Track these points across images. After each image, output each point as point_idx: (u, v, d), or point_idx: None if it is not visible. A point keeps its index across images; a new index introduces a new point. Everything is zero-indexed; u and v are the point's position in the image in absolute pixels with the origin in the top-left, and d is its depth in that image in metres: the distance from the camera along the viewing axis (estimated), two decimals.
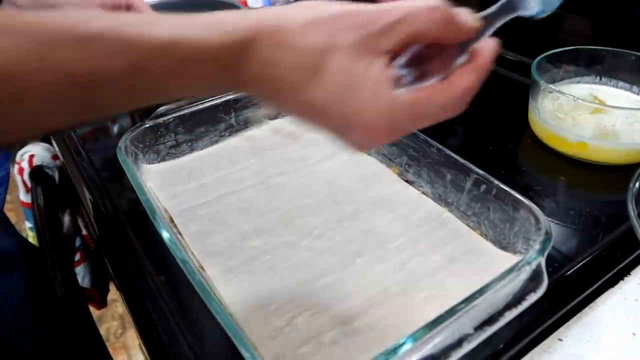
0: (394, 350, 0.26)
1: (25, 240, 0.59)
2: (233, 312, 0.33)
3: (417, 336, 0.27)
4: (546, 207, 0.44)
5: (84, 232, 0.71)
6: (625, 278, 0.38)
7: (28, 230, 0.73)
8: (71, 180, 0.60)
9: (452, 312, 0.28)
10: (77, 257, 0.70)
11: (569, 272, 0.37)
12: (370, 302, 0.33)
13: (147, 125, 0.47)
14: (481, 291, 0.29)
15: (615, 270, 0.38)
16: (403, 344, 0.26)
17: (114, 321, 1.33)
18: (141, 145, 0.47)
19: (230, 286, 0.35)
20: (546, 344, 0.34)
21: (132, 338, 1.29)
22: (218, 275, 0.36)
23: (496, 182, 0.38)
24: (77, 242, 0.70)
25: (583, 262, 0.38)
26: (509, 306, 0.29)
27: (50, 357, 0.54)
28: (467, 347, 0.27)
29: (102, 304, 0.75)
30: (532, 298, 0.29)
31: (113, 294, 1.41)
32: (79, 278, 0.70)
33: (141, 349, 1.23)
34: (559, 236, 0.41)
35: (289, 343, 0.31)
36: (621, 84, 0.54)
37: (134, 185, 0.39)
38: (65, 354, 0.59)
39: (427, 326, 0.27)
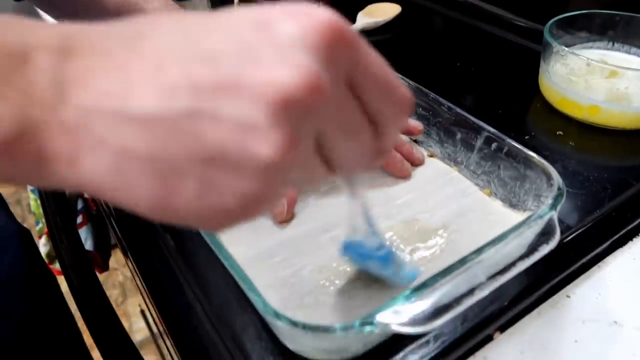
0: (403, 297, 0.26)
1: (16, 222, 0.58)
2: (240, 264, 0.33)
3: (428, 283, 0.26)
4: (559, 175, 0.43)
5: (86, 194, 0.70)
6: (635, 239, 0.38)
7: (29, 193, 0.73)
8: None
9: (463, 262, 0.28)
10: (79, 219, 0.70)
11: (578, 232, 0.37)
12: None
13: None
14: (493, 242, 0.29)
15: (624, 231, 0.38)
16: (409, 295, 0.26)
17: (115, 289, 1.34)
18: None
19: (236, 240, 0.35)
20: (554, 299, 0.34)
21: (133, 305, 1.30)
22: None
23: (508, 139, 0.37)
24: (79, 205, 0.70)
25: (592, 222, 0.38)
26: (521, 257, 0.29)
27: (39, 331, 0.54)
28: (479, 295, 0.26)
29: (104, 267, 0.75)
30: (545, 249, 0.29)
31: (114, 262, 1.42)
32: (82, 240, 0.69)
33: (143, 315, 1.23)
34: (568, 200, 0.40)
35: (294, 292, 0.31)
36: (634, 49, 0.53)
37: None
38: (58, 325, 0.59)
39: (437, 275, 0.27)
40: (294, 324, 0.25)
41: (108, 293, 0.46)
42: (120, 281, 1.37)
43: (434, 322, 0.25)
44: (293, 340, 0.28)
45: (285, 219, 0.36)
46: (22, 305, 0.49)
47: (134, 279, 0.48)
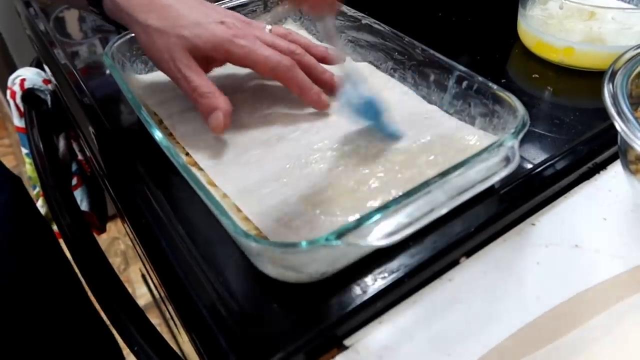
0: (367, 217, 0.27)
1: (7, 169, 0.60)
2: (228, 195, 0.34)
3: (391, 204, 0.28)
4: (532, 115, 0.44)
5: (80, 156, 0.72)
6: (601, 172, 0.39)
7: (24, 157, 0.74)
8: (65, 104, 0.60)
9: (426, 184, 0.29)
10: (74, 181, 0.71)
11: (546, 164, 0.38)
12: (354, 185, 0.35)
13: (133, 35, 0.46)
14: (455, 167, 0.30)
15: (591, 164, 0.39)
16: (374, 212, 0.27)
17: (117, 257, 1.38)
18: (128, 54, 0.47)
19: (222, 175, 0.36)
20: (520, 227, 0.35)
21: (135, 273, 1.33)
22: (210, 167, 0.37)
23: (477, 77, 0.38)
24: (73, 167, 0.71)
25: (560, 156, 0.39)
26: (480, 181, 0.30)
27: (38, 278, 0.55)
28: (438, 212, 0.28)
29: (101, 228, 0.77)
30: (503, 172, 0.30)
31: (115, 231, 1.44)
32: (77, 202, 0.71)
33: (144, 280, 1.26)
34: (540, 140, 0.41)
35: (279, 218, 0.32)
36: None
37: (120, 85, 0.40)
38: (57, 274, 0.60)
39: (400, 197, 0.28)
40: (261, 242, 0.26)
41: (111, 261, 0.47)
42: (122, 250, 1.40)
43: (394, 237, 0.26)
44: (263, 263, 0.29)
45: (222, 130, 0.38)
46: (21, 248, 0.51)
47: (130, 238, 0.49)
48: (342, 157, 0.37)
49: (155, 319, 1.14)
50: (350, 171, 0.36)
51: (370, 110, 0.38)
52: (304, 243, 0.26)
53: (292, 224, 0.32)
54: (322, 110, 0.42)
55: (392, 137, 0.38)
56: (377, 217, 0.27)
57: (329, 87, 0.42)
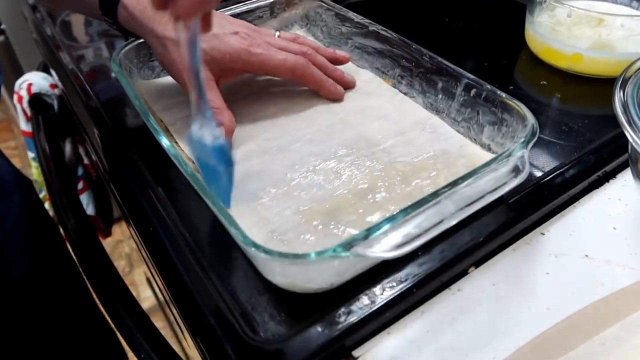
0: (376, 228, 0.27)
1: (18, 170, 0.60)
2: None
3: (400, 215, 0.28)
4: (540, 123, 0.44)
5: (86, 160, 0.72)
6: (611, 180, 0.39)
7: (31, 161, 0.75)
8: (72, 108, 0.60)
9: (435, 195, 0.29)
10: (80, 185, 0.71)
11: (555, 173, 0.38)
12: (357, 196, 0.34)
13: (141, 41, 0.46)
14: (464, 177, 0.30)
15: (600, 173, 0.39)
16: (382, 223, 0.27)
17: (121, 260, 1.38)
18: (135, 61, 0.47)
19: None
20: (529, 237, 0.35)
21: (140, 275, 1.33)
22: None
23: (486, 85, 0.38)
24: (79, 171, 0.72)
25: (569, 164, 0.38)
26: (490, 192, 0.30)
27: (47, 278, 0.56)
28: (447, 224, 0.28)
29: (107, 232, 0.77)
30: (513, 182, 0.30)
31: (119, 234, 1.44)
32: (83, 206, 0.71)
33: (149, 283, 1.26)
34: (548, 148, 0.41)
35: (277, 228, 0.32)
36: None
37: (127, 92, 0.40)
38: (64, 275, 0.61)
39: (409, 207, 0.28)
40: (271, 253, 0.26)
41: (115, 264, 0.47)
42: (126, 252, 1.40)
43: (403, 248, 0.26)
44: (272, 273, 0.29)
45: None
46: (31, 249, 0.51)
47: (135, 242, 0.49)
48: (342, 169, 0.37)
49: (159, 322, 1.14)
50: (349, 185, 0.35)
51: (221, 156, 0.33)
52: (312, 254, 0.26)
53: (284, 236, 0.32)
54: (338, 101, 0.44)
55: (222, 198, 0.34)
56: (385, 228, 0.27)
57: (341, 84, 0.44)
